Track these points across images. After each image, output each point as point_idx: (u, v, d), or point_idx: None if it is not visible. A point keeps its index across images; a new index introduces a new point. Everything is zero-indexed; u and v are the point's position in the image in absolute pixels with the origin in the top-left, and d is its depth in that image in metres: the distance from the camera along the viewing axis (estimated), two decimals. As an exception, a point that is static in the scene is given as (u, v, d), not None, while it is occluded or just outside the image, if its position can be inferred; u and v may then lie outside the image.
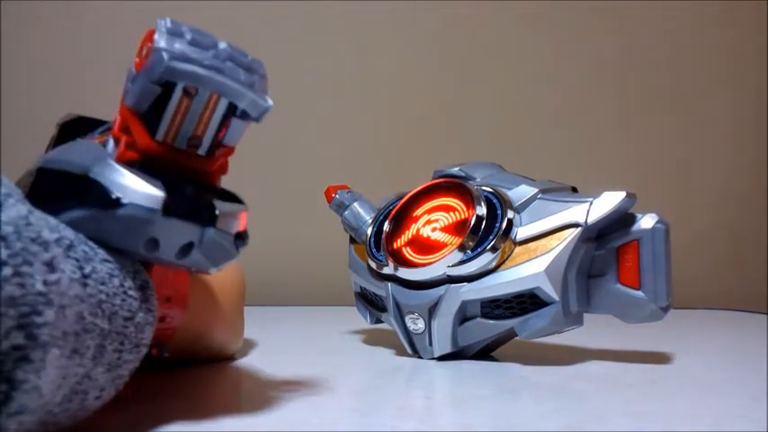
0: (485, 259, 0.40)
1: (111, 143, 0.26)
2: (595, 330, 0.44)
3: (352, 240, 0.49)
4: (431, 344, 0.42)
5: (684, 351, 0.46)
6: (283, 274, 0.81)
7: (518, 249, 0.40)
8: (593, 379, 0.38)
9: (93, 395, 0.23)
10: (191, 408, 0.30)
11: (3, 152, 0.75)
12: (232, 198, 0.27)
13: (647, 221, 0.39)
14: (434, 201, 0.44)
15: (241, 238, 0.27)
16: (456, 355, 0.42)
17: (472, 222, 0.41)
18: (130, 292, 0.24)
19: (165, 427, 0.26)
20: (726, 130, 0.95)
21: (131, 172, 0.24)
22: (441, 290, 0.41)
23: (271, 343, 0.49)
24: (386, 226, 0.44)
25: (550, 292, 0.39)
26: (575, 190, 0.42)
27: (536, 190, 0.41)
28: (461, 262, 0.40)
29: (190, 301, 0.34)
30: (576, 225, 0.39)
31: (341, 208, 0.48)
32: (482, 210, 0.41)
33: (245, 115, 0.27)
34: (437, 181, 0.45)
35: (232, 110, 0.27)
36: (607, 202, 0.39)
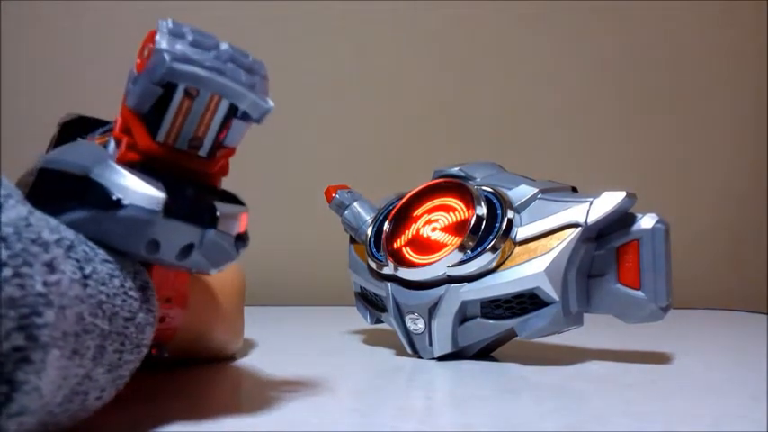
0: (485, 259, 0.40)
1: (111, 144, 0.26)
2: (595, 330, 0.44)
3: (352, 240, 0.49)
4: (431, 344, 0.42)
5: (684, 351, 0.46)
6: (283, 274, 0.81)
7: (518, 249, 0.40)
8: (593, 379, 0.38)
9: (94, 395, 0.23)
10: (191, 408, 0.31)
11: (3, 152, 0.75)
12: (233, 199, 0.27)
13: (647, 221, 0.39)
14: (434, 201, 0.44)
15: (241, 239, 0.27)
16: (456, 355, 0.42)
17: (472, 222, 0.41)
18: (131, 293, 0.24)
19: (165, 427, 0.26)
20: (726, 130, 0.95)
21: (132, 173, 0.24)
22: (441, 290, 0.41)
23: (271, 343, 0.49)
24: (386, 226, 0.44)
25: (550, 292, 0.39)
26: (575, 190, 0.42)
27: (536, 190, 0.41)
28: (461, 262, 0.40)
29: (190, 301, 0.34)
30: (576, 225, 0.39)
31: (341, 208, 0.48)
32: (482, 210, 0.41)
33: (246, 116, 0.27)
34: (437, 181, 0.45)
35: (233, 111, 0.27)
36: (607, 202, 0.39)
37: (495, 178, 0.44)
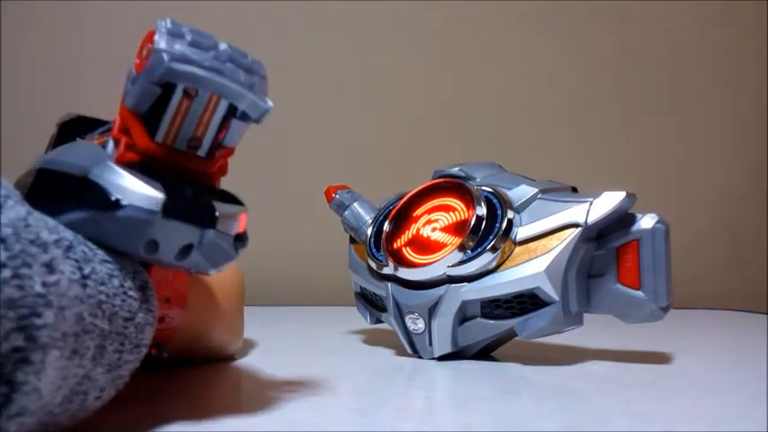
0: (485, 259, 0.40)
1: (110, 144, 0.26)
2: (595, 330, 0.44)
3: (352, 240, 0.49)
4: (431, 344, 0.42)
5: (684, 351, 0.46)
6: (283, 274, 0.81)
7: (518, 249, 0.40)
8: (593, 379, 0.38)
9: (94, 396, 0.23)
10: (191, 408, 0.30)
11: (3, 152, 0.75)
12: (232, 199, 0.27)
13: (647, 221, 0.39)
14: (434, 201, 0.44)
15: (241, 239, 0.27)
16: (456, 355, 0.42)
17: (472, 222, 0.41)
18: (130, 293, 0.24)
19: (165, 427, 0.26)
20: (726, 130, 0.95)
21: (131, 173, 0.24)
22: (441, 290, 0.41)
23: (271, 343, 0.49)
24: (386, 226, 0.44)
25: (550, 292, 0.39)
26: (575, 190, 0.42)
27: (536, 190, 0.41)
28: (461, 262, 0.40)
29: (189, 301, 0.34)
30: (576, 225, 0.39)
31: (341, 208, 0.48)
32: (482, 210, 0.41)
33: (245, 116, 0.27)
34: (437, 181, 0.45)
35: (232, 111, 0.27)
36: (607, 202, 0.39)
37: (495, 178, 0.44)
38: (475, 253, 0.40)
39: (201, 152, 0.27)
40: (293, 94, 0.74)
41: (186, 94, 0.25)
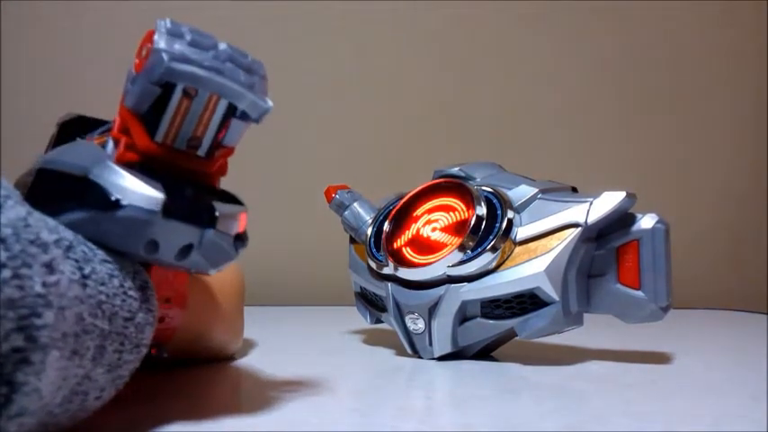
0: (485, 259, 0.40)
1: (110, 144, 0.26)
2: (595, 330, 0.44)
3: (352, 240, 0.49)
4: (431, 344, 0.42)
5: (684, 351, 0.46)
6: (283, 274, 0.81)
7: (518, 249, 0.40)
8: (593, 379, 0.38)
9: (94, 396, 0.23)
10: (191, 408, 0.30)
11: (3, 152, 0.75)
12: (232, 199, 0.27)
13: (647, 221, 0.39)
14: (434, 201, 0.44)
15: (240, 239, 0.27)
16: (456, 355, 0.42)
17: (472, 222, 0.41)
18: (130, 293, 0.24)
19: (165, 427, 0.26)
20: (726, 130, 0.95)
21: (131, 173, 0.24)
22: (441, 290, 0.41)
23: (271, 343, 0.49)
24: (386, 226, 0.44)
25: (550, 292, 0.39)
26: (575, 190, 0.42)
27: (536, 190, 0.41)
28: (461, 262, 0.40)
29: (189, 301, 0.34)
30: (576, 225, 0.39)
31: (341, 208, 0.48)
32: (482, 210, 0.41)
33: (244, 116, 0.27)
34: (437, 181, 0.45)
35: (232, 111, 0.27)
36: (607, 202, 0.39)
37: (495, 178, 0.44)
38: (475, 253, 0.40)
39: (201, 152, 0.27)
40: (293, 94, 0.74)
41: (186, 93, 0.25)
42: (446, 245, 0.41)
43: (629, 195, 0.39)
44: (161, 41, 0.25)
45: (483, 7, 0.90)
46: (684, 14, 0.92)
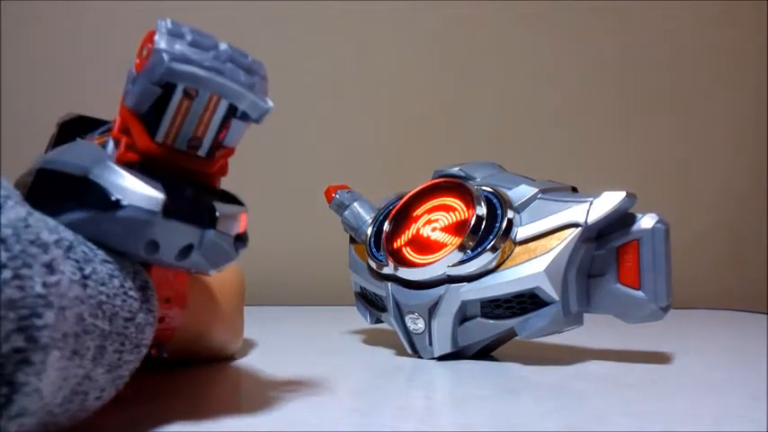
0: (485, 259, 0.40)
1: (110, 144, 0.26)
2: (595, 330, 0.44)
3: (352, 240, 0.49)
4: (431, 344, 0.42)
5: (684, 351, 0.46)
6: (283, 274, 0.81)
7: (518, 249, 0.40)
8: (593, 379, 0.38)
9: (94, 396, 0.23)
10: (191, 408, 0.31)
11: (3, 152, 0.75)
12: (232, 199, 0.27)
13: (647, 221, 0.39)
14: (434, 201, 0.44)
15: (241, 239, 0.27)
16: (456, 355, 0.42)
17: (472, 222, 0.41)
18: (131, 293, 0.24)
19: (165, 427, 0.26)
20: (726, 130, 0.95)
21: (131, 174, 0.24)
22: (441, 290, 0.41)
23: (271, 343, 0.49)
24: (386, 226, 0.44)
25: (550, 291, 0.39)
26: (575, 190, 0.42)
27: (536, 190, 0.41)
28: (461, 262, 0.40)
29: (189, 301, 0.34)
30: (576, 225, 0.39)
31: (341, 208, 0.48)
32: (482, 210, 0.41)
33: (245, 116, 0.27)
34: (437, 181, 0.45)
35: (232, 111, 0.27)
36: (607, 202, 0.39)
37: (495, 178, 0.44)
38: (475, 253, 0.40)
39: (202, 152, 0.27)
40: (293, 94, 0.74)
41: (186, 94, 0.25)
42: (446, 245, 0.41)
43: (629, 195, 0.39)
44: (162, 42, 0.25)
45: (483, 7, 0.90)
46: (684, 14, 0.93)
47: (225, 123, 0.27)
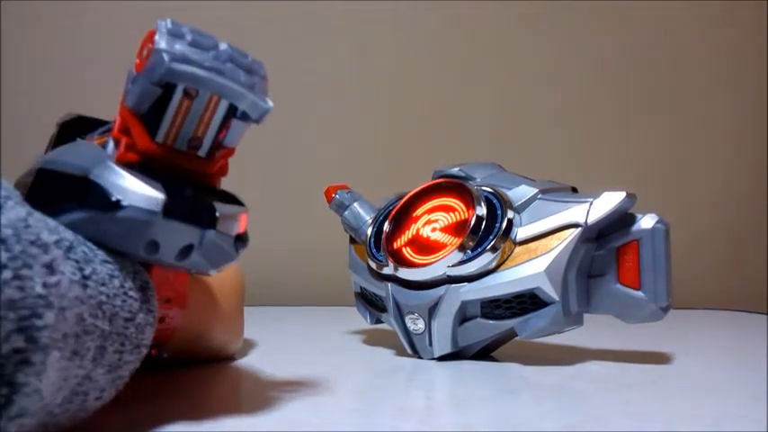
0: (485, 259, 0.40)
1: (110, 144, 0.26)
2: (595, 330, 0.44)
3: (352, 240, 0.49)
4: (431, 344, 0.42)
5: (684, 351, 0.46)
6: (283, 274, 0.81)
7: (518, 249, 0.40)
8: (593, 379, 0.38)
9: (94, 396, 0.23)
10: (191, 408, 0.31)
11: (3, 152, 0.75)
12: (232, 200, 0.27)
13: (647, 221, 0.39)
14: (434, 201, 0.44)
15: (241, 239, 0.27)
16: (456, 355, 0.42)
17: (472, 222, 0.41)
18: (131, 293, 0.24)
19: (165, 427, 0.26)
20: (726, 130, 0.95)
21: (131, 174, 0.24)
22: (441, 290, 0.41)
23: (271, 343, 0.49)
24: (386, 226, 0.44)
25: (550, 292, 0.39)
26: (575, 190, 0.42)
27: (536, 190, 0.41)
28: (461, 262, 0.40)
29: (189, 301, 0.34)
30: (576, 225, 0.39)
31: (341, 208, 0.48)
32: (482, 210, 0.41)
33: (245, 116, 0.27)
34: (437, 181, 0.45)
35: (232, 111, 0.27)
36: (607, 203, 0.39)
37: (495, 178, 0.44)
38: (475, 253, 0.40)
39: (202, 152, 0.27)
40: (293, 94, 0.74)
41: (186, 94, 0.25)
42: (446, 245, 0.41)
43: (629, 195, 0.39)
44: (162, 42, 0.25)
45: (483, 7, 0.90)
46: (684, 14, 0.92)
47: (225, 123, 0.27)
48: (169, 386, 0.34)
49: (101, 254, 0.24)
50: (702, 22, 0.93)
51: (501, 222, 0.40)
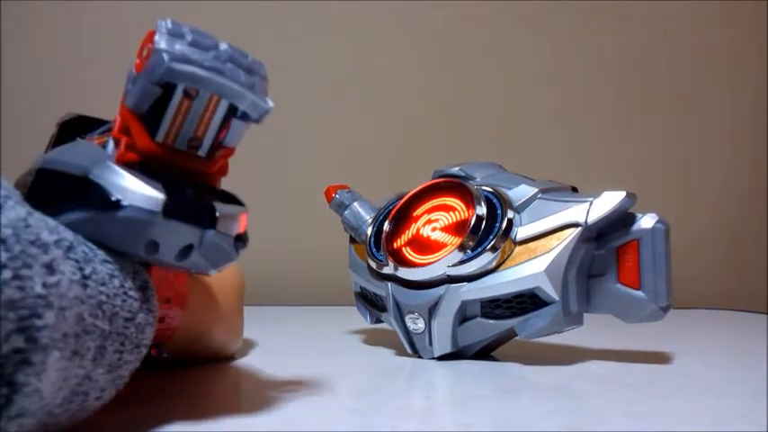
0: (485, 259, 0.40)
1: (110, 144, 0.26)
2: (595, 330, 0.44)
3: (353, 240, 0.49)
4: (431, 344, 0.42)
5: (684, 351, 0.46)
6: (283, 274, 0.81)
7: (518, 249, 0.40)
8: (593, 379, 0.38)
9: (94, 396, 0.23)
10: (191, 408, 0.30)
11: (3, 152, 0.75)
12: (232, 200, 0.27)
13: (647, 221, 0.39)
14: (434, 200, 0.44)
15: (241, 239, 0.27)
16: (456, 355, 0.42)
17: (472, 222, 0.41)
18: (131, 293, 0.24)
19: (165, 427, 0.26)
20: (726, 130, 0.95)
21: (131, 174, 0.24)
22: (441, 290, 0.41)
23: (271, 343, 0.49)
24: (386, 226, 0.44)
25: (550, 291, 0.39)
26: (575, 190, 0.42)
27: (536, 190, 0.41)
28: (461, 262, 0.40)
29: (189, 301, 0.34)
30: (576, 225, 0.39)
31: (341, 208, 0.48)
32: (482, 210, 0.41)
33: (245, 116, 0.27)
34: (437, 181, 0.45)
35: (232, 111, 0.27)
36: (607, 202, 0.39)
37: (495, 178, 0.44)
38: (475, 253, 0.40)
39: (202, 152, 0.27)
40: (293, 94, 0.74)
41: (187, 94, 0.25)
42: (446, 245, 0.41)
43: (629, 195, 0.39)
44: (162, 42, 0.25)
45: (483, 7, 0.90)
46: (684, 14, 0.93)
47: (225, 123, 0.27)
48: (169, 386, 0.34)
49: (101, 254, 0.24)
50: (702, 22, 0.93)
51: (501, 222, 0.40)
